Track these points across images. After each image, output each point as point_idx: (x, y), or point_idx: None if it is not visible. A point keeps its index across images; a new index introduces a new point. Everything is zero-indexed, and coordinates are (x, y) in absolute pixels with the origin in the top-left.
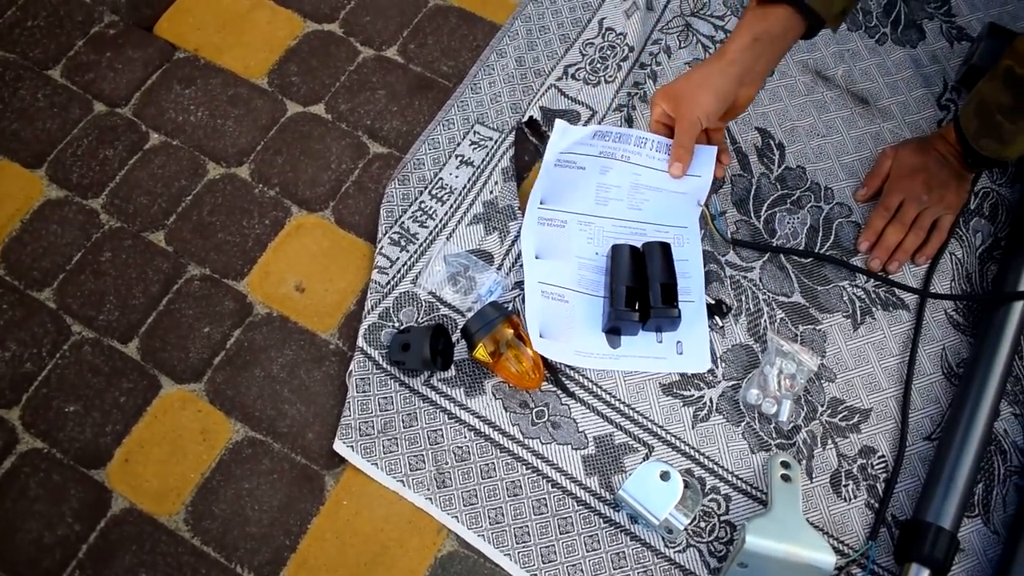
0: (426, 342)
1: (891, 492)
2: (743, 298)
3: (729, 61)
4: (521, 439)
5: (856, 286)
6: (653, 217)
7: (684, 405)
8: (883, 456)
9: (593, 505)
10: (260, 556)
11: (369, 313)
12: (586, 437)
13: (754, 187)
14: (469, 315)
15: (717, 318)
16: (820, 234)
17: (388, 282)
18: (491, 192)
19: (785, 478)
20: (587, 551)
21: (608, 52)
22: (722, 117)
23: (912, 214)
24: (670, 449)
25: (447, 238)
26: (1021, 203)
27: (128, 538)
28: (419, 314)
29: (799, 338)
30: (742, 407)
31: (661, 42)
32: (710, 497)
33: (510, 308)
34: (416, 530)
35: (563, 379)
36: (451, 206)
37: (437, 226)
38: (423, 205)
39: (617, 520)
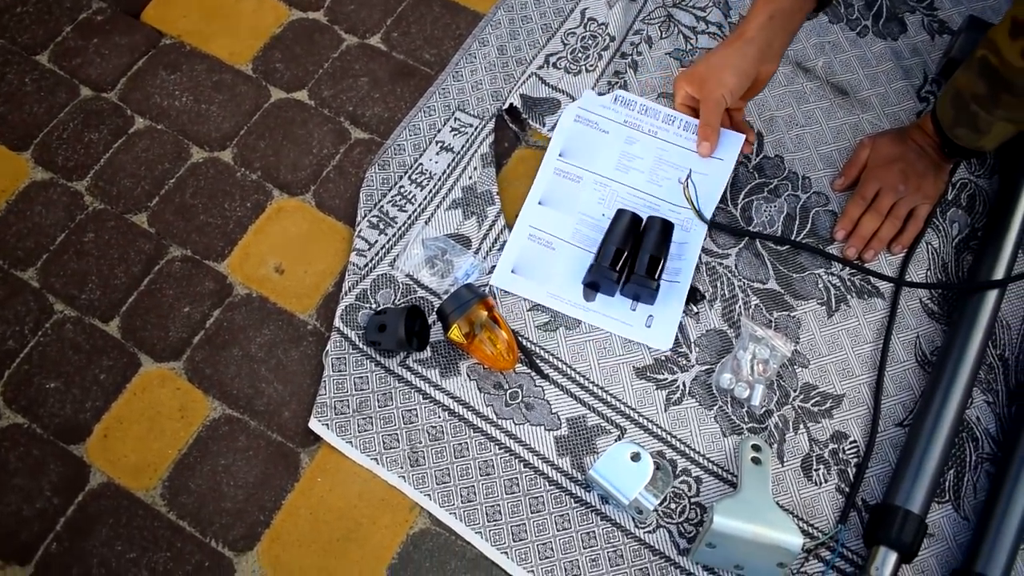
0: (401, 323)
1: (862, 477)
2: (718, 284)
3: (748, 40)
4: (495, 419)
5: (831, 274)
6: (671, 196)
7: (657, 388)
8: (855, 441)
9: (564, 485)
10: (235, 531)
11: (347, 294)
12: (559, 418)
13: (731, 175)
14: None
15: (691, 304)
16: (797, 222)
17: (366, 264)
18: (470, 178)
19: (756, 461)
20: (558, 530)
21: (590, 42)
22: (743, 95)
23: (888, 203)
24: (642, 431)
25: (426, 222)
26: (998, 194)
27: (105, 512)
28: (396, 296)
29: (773, 324)
30: (715, 391)
31: (643, 32)
32: (681, 479)
33: (486, 291)
34: (389, 507)
35: (537, 361)
36: (430, 191)
37: (416, 210)
38: (403, 189)
39: (588, 500)
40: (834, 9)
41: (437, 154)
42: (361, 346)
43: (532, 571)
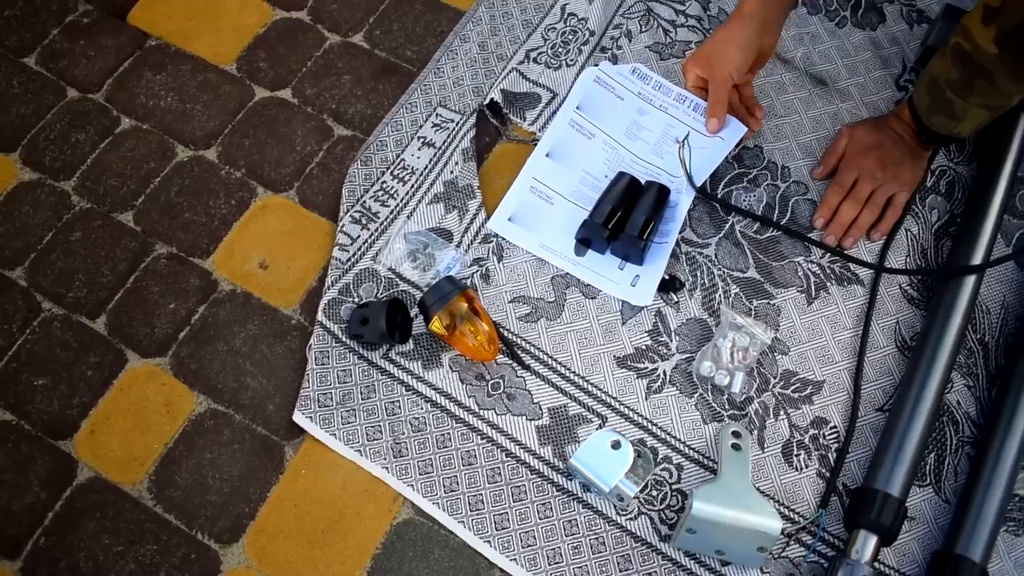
0: (383, 316)
1: (842, 462)
2: (698, 273)
3: (748, 14)
4: (477, 410)
5: (811, 261)
6: (672, 167)
7: (638, 377)
8: (835, 427)
9: (546, 474)
10: (220, 523)
11: (329, 288)
12: (540, 408)
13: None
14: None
15: (672, 293)
16: (776, 211)
17: (349, 259)
18: (451, 172)
19: (735, 447)
20: (540, 518)
21: (570, 37)
22: (750, 69)
23: (867, 191)
24: (623, 420)
25: (408, 217)
26: (977, 180)
27: (93, 506)
28: (379, 290)
29: (753, 312)
30: (695, 379)
31: (622, 27)
32: (662, 466)
33: (467, 283)
34: (372, 498)
35: (518, 352)
36: (412, 186)
37: (398, 205)
38: (385, 185)
39: (570, 488)
40: (813, 0)
41: (419, 149)
42: (344, 339)
43: (515, 559)
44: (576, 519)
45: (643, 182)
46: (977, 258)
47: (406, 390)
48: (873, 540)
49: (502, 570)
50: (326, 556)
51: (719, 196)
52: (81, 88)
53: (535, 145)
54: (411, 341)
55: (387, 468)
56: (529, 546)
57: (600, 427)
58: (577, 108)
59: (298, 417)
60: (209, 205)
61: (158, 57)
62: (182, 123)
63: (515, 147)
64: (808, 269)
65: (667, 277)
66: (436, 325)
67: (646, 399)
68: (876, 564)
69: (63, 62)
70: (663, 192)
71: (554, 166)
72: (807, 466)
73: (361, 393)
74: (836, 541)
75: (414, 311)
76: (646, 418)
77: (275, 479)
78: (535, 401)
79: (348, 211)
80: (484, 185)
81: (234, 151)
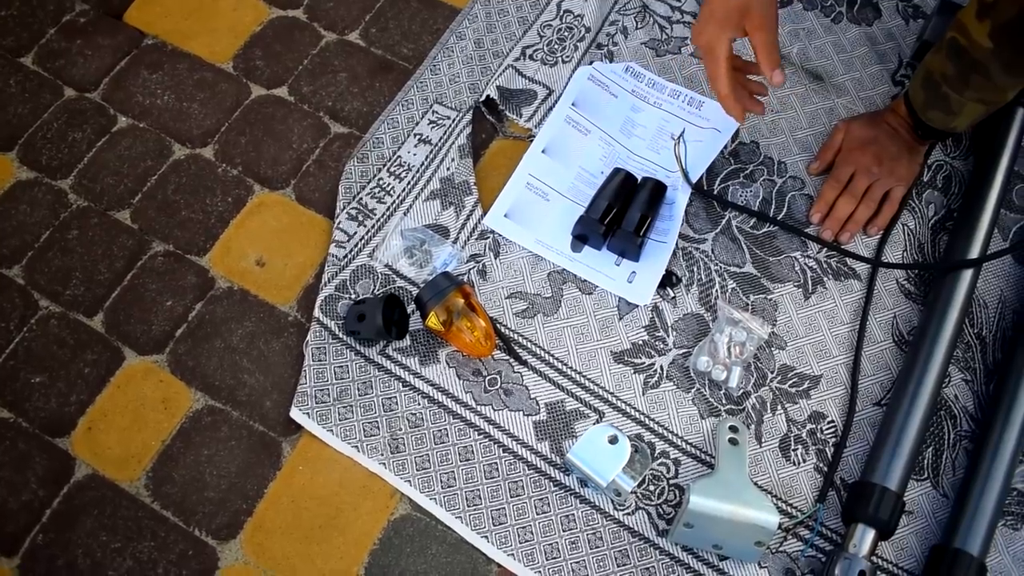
0: (379, 312)
1: (840, 456)
2: (695, 269)
3: None
4: (474, 406)
5: (808, 256)
6: (669, 163)
7: (635, 372)
8: (832, 421)
9: (543, 469)
10: (218, 520)
11: (326, 285)
12: (538, 404)
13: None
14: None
15: (668, 288)
16: (773, 206)
17: (345, 255)
18: (448, 169)
19: (733, 442)
20: (537, 514)
21: (566, 33)
22: (754, 28)
23: (863, 186)
24: (621, 415)
25: (404, 213)
26: (973, 175)
27: (90, 503)
28: (375, 286)
29: (750, 307)
30: (692, 374)
31: (618, 23)
32: (659, 461)
33: (464, 279)
34: (370, 494)
35: (515, 347)
36: (409, 182)
37: (395, 201)
38: (381, 182)
39: (567, 484)
40: None
41: (415, 146)
42: (341, 336)
43: (512, 554)
44: (573, 514)
45: (639, 178)
46: (974, 252)
47: (403, 386)
48: (871, 534)
49: (499, 565)
50: (323, 552)
51: (715, 192)
52: (78, 87)
53: (531, 142)
54: (408, 337)
55: (384, 464)
56: (527, 541)
57: (597, 422)
58: (573, 105)
59: (295, 413)
60: (206, 203)
61: (154, 56)
62: (179, 121)
63: (511, 144)
64: (805, 264)
65: (663, 272)
66: (433, 321)
67: (643, 394)
68: (874, 558)
69: (60, 61)
70: (659, 188)
71: (550, 163)
72: (804, 460)
73: (358, 389)
74: (834, 535)
75: (411, 307)
76: (643, 413)
77: (272, 475)
78: (532, 396)
79: (345, 208)
80: (480, 181)
81: (231, 149)
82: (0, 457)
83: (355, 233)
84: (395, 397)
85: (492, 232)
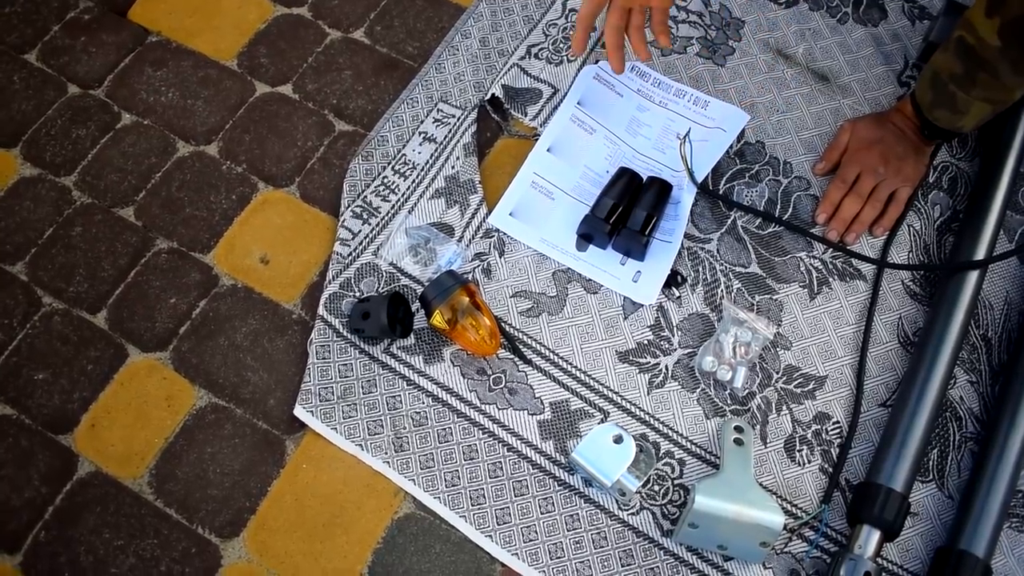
0: (384, 310)
1: (845, 457)
2: (700, 269)
3: None
4: (478, 404)
5: (813, 257)
6: (674, 163)
7: (640, 372)
8: (838, 422)
9: (548, 468)
10: (221, 517)
11: (330, 283)
12: (542, 403)
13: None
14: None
15: (673, 288)
16: (778, 207)
17: (350, 253)
18: (452, 167)
19: (738, 442)
20: (541, 513)
21: (571, 32)
22: None
23: (869, 186)
24: (625, 415)
25: (409, 211)
26: (979, 176)
27: (93, 500)
28: (380, 284)
29: (755, 307)
30: (697, 374)
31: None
32: (664, 461)
33: (468, 278)
34: (374, 493)
35: (520, 346)
36: (413, 180)
37: (399, 200)
38: (386, 180)
39: (571, 483)
40: None
41: (420, 145)
42: (345, 334)
43: (516, 554)
44: (578, 514)
45: (644, 178)
46: (979, 254)
47: (407, 384)
48: (876, 535)
49: (503, 565)
50: (327, 550)
51: (721, 192)
52: (82, 84)
53: (536, 140)
54: (412, 335)
55: (388, 462)
56: (531, 541)
57: (602, 422)
58: (578, 104)
59: (299, 411)
60: (210, 200)
61: (159, 53)
62: (183, 119)
63: (516, 142)
64: (810, 264)
65: (669, 272)
66: (437, 319)
67: (648, 394)
68: (879, 559)
69: (64, 58)
70: (665, 188)
71: (555, 161)
72: (809, 461)
73: (362, 387)
74: (839, 536)
75: (415, 305)
76: (648, 413)
77: (276, 473)
78: (537, 395)
79: (349, 206)
80: (485, 180)
81: (235, 146)
82: (3, 454)
83: (360, 231)
84: (399, 395)
85: (497, 231)
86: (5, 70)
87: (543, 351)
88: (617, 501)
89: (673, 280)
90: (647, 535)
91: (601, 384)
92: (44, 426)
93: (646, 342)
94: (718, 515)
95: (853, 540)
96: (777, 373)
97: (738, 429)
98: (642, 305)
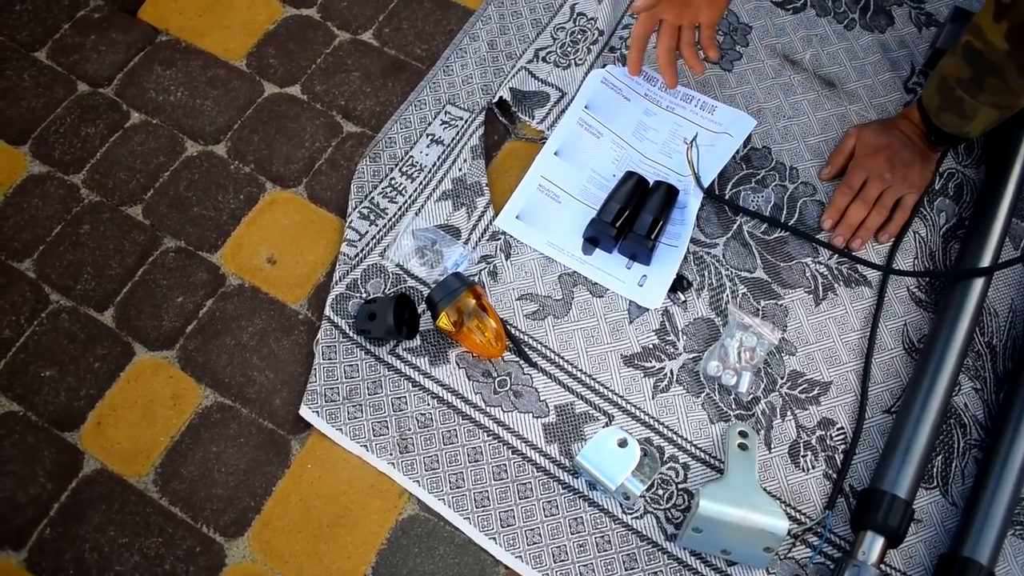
0: (390, 311)
1: (849, 463)
2: (706, 273)
3: None
4: (483, 407)
5: (819, 263)
6: (680, 167)
7: (645, 376)
8: (842, 428)
9: (552, 472)
10: (225, 517)
11: (337, 284)
12: (547, 406)
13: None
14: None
15: (679, 292)
16: (784, 212)
17: (357, 254)
18: (460, 169)
19: (742, 447)
20: (545, 516)
21: (579, 36)
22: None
23: (875, 192)
24: (630, 418)
25: (416, 213)
26: (985, 183)
27: (98, 498)
28: (386, 286)
29: (761, 312)
30: (702, 379)
31: (631, 27)
32: (668, 465)
33: (475, 280)
34: (378, 494)
35: (526, 349)
36: (420, 182)
37: (406, 201)
38: (393, 181)
39: (576, 486)
40: (822, 3)
41: (427, 147)
42: (351, 335)
43: (520, 556)
44: (582, 517)
45: (651, 182)
46: (985, 261)
47: (413, 386)
48: (880, 541)
49: (507, 567)
50: (331, 551)
51: (727, 197)
52: (91, 82)
53: (543, 143)
54: (418, 337)
55: (393, 464)
56: (534, 543)
57: (607, 425)
58: (586, 108)
59: (304, 412)
60: (218, 200)
61: (168, 53)
62: (192, 118)
63: (523, 145)
64: (816, 270)
65: (675, 276)
66: (443, 321)
67: (653, 398)
68: (883, 566)
69: (74, 56)
70: (671, 192)
71: (562, 165)
72: (814, 467)
73: (368, 388)
74: (842, 542)
75: (421, 307)
76: (653, 417)
77: (281, 473)
78: (542, 399)
79: (356, 207)
80: (492, 183)
81: (243, 146)
82: (9, 451)
83: (367, 232)
84: (405, 397)
85: (503, 233)
86: (15, 68)
87: (548, 354)
88: (621, 505)
89: (679, 284)
90: (651, 539)
91: (606, 388)
92: (50, 423)
93: (651, 346)
94: (722, 520)
95: (857, 546)
96: (782, 378)
97: (742, 434)
98: (647, 309)
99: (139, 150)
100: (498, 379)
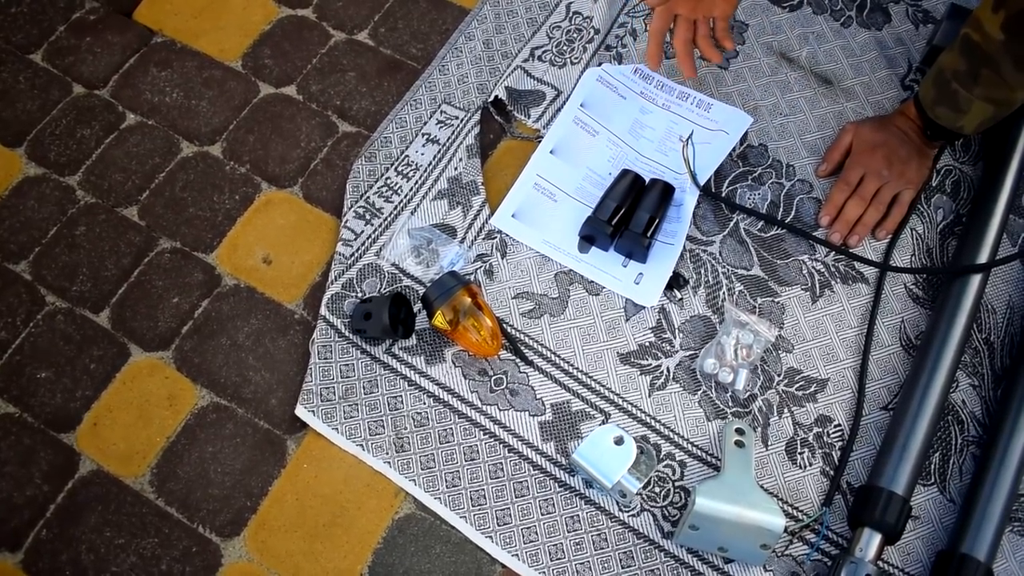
0: (386, 311)
1: (846, 460)
2: (702, 271)
3: None
4: (479, 405)
5: (816, 260)
6: (677, 165)
7: (641, 374)
8: (839, 425)
9: (549, 470)
10: (222, 517)
11: (333, 283)
12: (543, 404)
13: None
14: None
15: (675, 290)
16: (781, 209)
17: (352, 254)
18: (456, 168)
19: (739, 444)
20: (542, 514)
21: (575, 35)
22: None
23: (872, 189)
24: (627, 416)
25: (412, 212)
26: (983, 180)
27: (95, 499)
28: (382, 285)
29: (757, 310)
30: (699, 376)
31: (627, 25)
32: (665, 463)
33: (471, 279)
34: (374, 493)
35: (522, 347)
36: (416, 182)
37: (402, 201)
38: (389, 181)
39: (572, 484)
40: (818, 0)
41: (423, 146)
42: (347, 334)
43: (517, 555)
44: (578, 515)
45: (647, 180)
46: (982, 257)
47: (408, 385)
48: (877, 538)
49: (503, 565)
50: (327, 550)
51: (723, 194)
52: (87, 84)
53: (539, 142)
54: (414, 336)
55: (389, 463)
56: (531, 542)
57: (603, 423)
58: (581, 106)
59: (300, 411)
60: (213, 200)
61: (164, 54)
62: (187, 119)
63: (519, 144)
64: (813, 267)
65: (671, 274)
66: (439, 320)
67: (649, 396)
68: (880, 563)
69: (69, 58)
70: (667, 190)
71: (558, 163)
72: (811, 464)
73: (364, 388)
74: (840, 539)
75: (417, 306)
76: (649, 415)
77: (277, 473)
78: (538, 397)
79: (352, 207)
80: (488, 182)
81: (239, 147)
82: (5, 452)
83: (362, 232)
84: (401, 396)
85: (499, 232)
86: (11, 70)
87: (545, 352)
88: (618, 503)
89: (675, 282)
90: (648, 537)
91: (602, 386)
92: (46, 424)
93: (648, 344)
94: (719, 517)
95: (854, 543)
96: (779, 376)
97: (739, 431)
98: (644, 307)
99: (135, 151)
100: (494, 377)
